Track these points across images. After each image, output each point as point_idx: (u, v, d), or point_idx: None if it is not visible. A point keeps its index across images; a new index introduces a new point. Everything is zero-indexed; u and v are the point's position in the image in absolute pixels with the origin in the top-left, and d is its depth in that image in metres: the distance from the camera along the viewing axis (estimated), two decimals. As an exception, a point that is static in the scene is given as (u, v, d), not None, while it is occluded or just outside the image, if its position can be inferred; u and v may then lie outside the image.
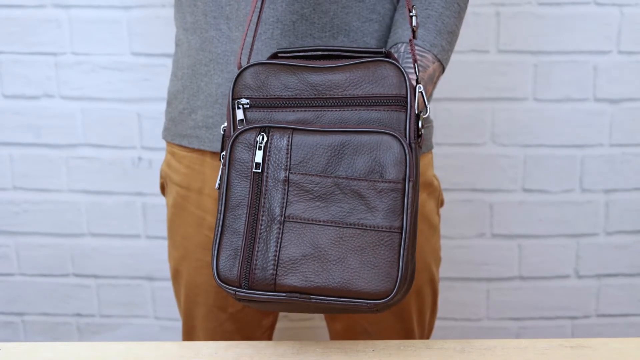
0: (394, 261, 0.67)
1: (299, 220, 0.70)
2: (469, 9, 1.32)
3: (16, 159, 1.54)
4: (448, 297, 1.57)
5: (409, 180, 0.68)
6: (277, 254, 0.70)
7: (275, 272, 0.69)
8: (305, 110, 0.74)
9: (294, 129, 0.72)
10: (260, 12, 0.82)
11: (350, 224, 0.69)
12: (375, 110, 0.71)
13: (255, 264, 0.70)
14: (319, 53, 0.77)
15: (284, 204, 0.71)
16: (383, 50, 0.75)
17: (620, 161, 1.51)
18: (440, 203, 1.04)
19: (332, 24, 0.89)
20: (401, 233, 0.68)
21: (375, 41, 0.91)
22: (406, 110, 0.71)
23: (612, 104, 1.48)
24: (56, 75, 1.48)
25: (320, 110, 0.73)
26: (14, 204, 1.56)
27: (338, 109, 0.73)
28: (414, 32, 0.77)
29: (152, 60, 1.47)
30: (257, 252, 0.70)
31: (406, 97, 0.71)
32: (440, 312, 1.41)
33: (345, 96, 0.72)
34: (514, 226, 1.55)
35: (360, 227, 0.68)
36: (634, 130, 1.50)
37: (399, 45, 0.87)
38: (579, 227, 1.55)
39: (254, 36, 0.82)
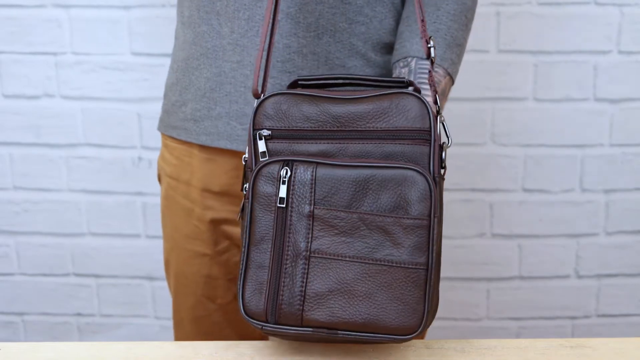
0: (420, 297, 0.68)
1: (325, 256, 0.70)
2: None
3: (16, 159, 1.54)
4: (448, 297, 1.57)
5: (434, 217, 0.68)
6: (304, 289, 0.70)
7: (302, 307, 0.69)
8: (327, 143, 0.73)
9: (317, 163, 0.71)
10: (271, 39, 0.81)
11: (377, 260, 0.69)
12: (399, 143, 0.71)
13: (282, 299, 0.70)
14: (340, 81, 0.76)
15: (309, 239, 0.70)
16: (405, 79, 0.74)
17: (620, 161, 1.51)
18: None
19: (318, 24, 0.89)
20: (427, 269, 0.68)
21: (361, 43, 0.91)
22: (430, 143, 0.70)
23: (612, 104, 1.48)
24: (56, 75, 1.48)
25: (343, 143, 0.72)
26: (14, 204, 1.56)
27: (361, 142, 0.72)
28: (432, 63, 0.77)
29: (152, 60, 1.47)
30: (284, 287, 0.70)
31: (429, 131, 0.70)
32: (440, 312, 1.41)
33: (368, 129, 0.72)
34: (514, 226, 1.55)
35: (386, 263, 0.68)
36: (634, 130, 1.50)
37: (409, 59, 0.86)
38: (579, 227, 1.55)
39: (267, 62, 0.80)
